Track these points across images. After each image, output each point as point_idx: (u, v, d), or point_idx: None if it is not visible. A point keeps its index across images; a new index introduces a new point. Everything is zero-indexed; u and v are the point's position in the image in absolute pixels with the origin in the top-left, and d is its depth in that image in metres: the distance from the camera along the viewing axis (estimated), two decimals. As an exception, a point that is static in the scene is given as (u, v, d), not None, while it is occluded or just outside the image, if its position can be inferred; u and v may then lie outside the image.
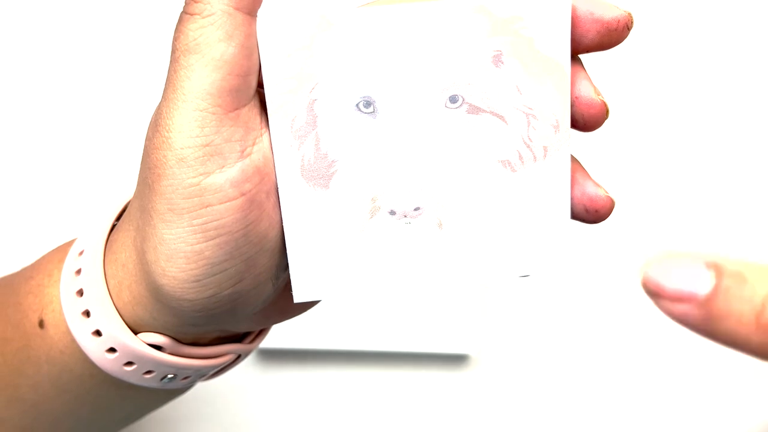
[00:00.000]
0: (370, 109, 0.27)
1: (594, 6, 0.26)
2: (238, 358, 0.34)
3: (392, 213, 0.28)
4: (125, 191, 0.33)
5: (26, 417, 0.33)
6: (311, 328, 0.54)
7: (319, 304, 0.54)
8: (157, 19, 0.53)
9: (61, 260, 0.31)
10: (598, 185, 0.28)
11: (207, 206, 0.26)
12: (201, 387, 0.54)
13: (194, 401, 0.55)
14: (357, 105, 0.27)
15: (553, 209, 0.28)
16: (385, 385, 0.56)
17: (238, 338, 0.33)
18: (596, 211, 0.28)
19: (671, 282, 0.19)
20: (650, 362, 0.55)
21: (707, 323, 0.20)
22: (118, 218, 0.32)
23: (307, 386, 0.56)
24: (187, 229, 0.26)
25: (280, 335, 0.54)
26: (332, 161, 0.27)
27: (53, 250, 0.33)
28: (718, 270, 0.19)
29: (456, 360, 0.56)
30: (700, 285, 0.19)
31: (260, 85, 0.27)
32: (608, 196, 0.28)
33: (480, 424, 0.56)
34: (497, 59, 0.26)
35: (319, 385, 0.56)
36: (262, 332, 0.35)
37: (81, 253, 0.30)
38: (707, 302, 0.19)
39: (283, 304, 0.32)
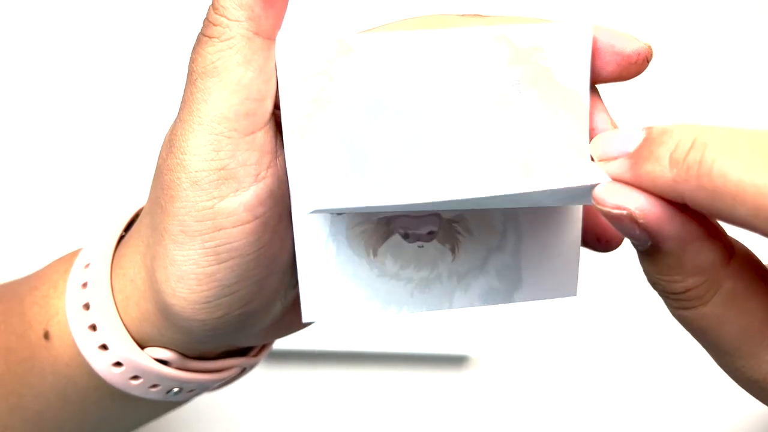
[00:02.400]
0: (386, 135, 0.26)
1: (615, 39, 0.26)
2: (243, 371, 0.34)
3: (406, 236, 0.27)
4: (131, 200, 0.33)
5: (29, 425, 0.33)
6: (312, 328, 0.54)
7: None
8: (167, 30, 0.53)
9: (67, 271, 0.31)
10: (613, 125, 0.28)
11: (220, 229, 0.26)
12: (201, 388, 0.54)
13: (194, 401, 0.55)
14: (373, 130, 0.26)
15: (565, 239, 0.28)
16: (385, 385, 0.56)
17: (242, 351, 0.33)
18: (607, 242, 0.29)
19: (608, 148, 0.23)
20: (650, 362, 0.56)
21: (634, 171, 0.22)
22: (125, 229, 0.31)
23: (307, 387, 0.56)
24: (199, 251, 0.26)
25: (279, 335, 0.54)
26: (347, 186, 0.27)
27: (58, 260, 0.33)
28: (648, 129, 0.22)
29: (455, 361, 0.56)
30: (633, 142, 0.22)
31: (276, 107, 0.27)
32: None
33: (480, 425, 0.56)
34: (516, 88, 0.26)
35: (320, 386, 0.56)
36: (266, 345, 0.35)
37: (87, 265, 0.30)
38: (635, 152, 0.22)
39: (289, 320, 0.32)
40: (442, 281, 0.28)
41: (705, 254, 0.22)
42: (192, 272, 0.26)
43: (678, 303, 0.23)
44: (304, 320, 0.28)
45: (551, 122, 0.26)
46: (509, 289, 0.28)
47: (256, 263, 0.27)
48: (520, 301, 0.28)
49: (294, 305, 0.30)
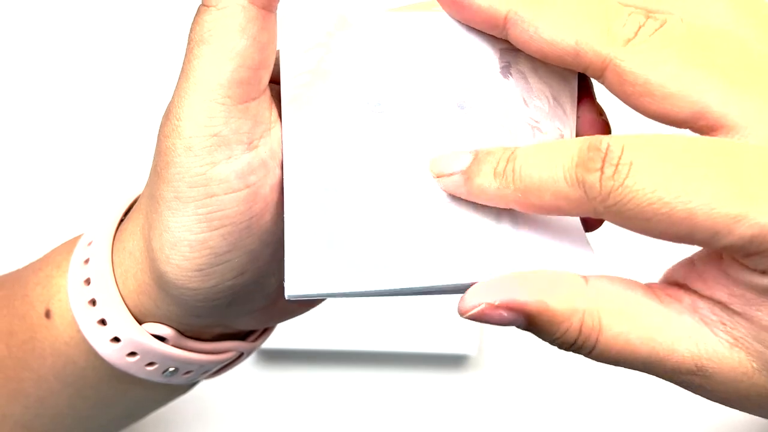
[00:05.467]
0: (380, 109, 0.27)
1: None
2: (241, 356, 0.34)
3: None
4: (132, 188, 0.33)
5: (28, 413, 0.33)
6: (311, 328, 0.54)
7: (319, 304, 0.54)
8: (163, 17, 0.53)
9: (70, 251, 0.32)
10: (600, 112, 0.29)
11: (212, 196, 0.26)
12: (201, 386, 0.54)
13: (194, 401, 0.55)
14: (368, 103, 0.27)
15: (566, 236, 0.28)
16: (385, 385, 0.56)
17: (241, 336, 0.33)
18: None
19: (445, 167, 0.26)
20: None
21: (468, 185, 0.25)
22: (127, 212, 0.32)
23: (307, 386, 0.56)
24: (192, 218, 0.26)
25: (280, 335, 0.54)
26: (340, 157, 0.27)
27: (63, 243, 0.33)
28: (474, 151, 0.26)
29: (456, 360, 0.56)
30: (464, 161, 0.26)
31: (272, 81, 0.27)
32: (606, 121, 0.29)
33: (480, 425, 0.56)
34: (506, 70, 0.27)
35: (319, 386, 0.56)
36: (265, 331, 0.35)
37: (90, 243, 0.31)
38: (466, 170, 0.25)
39: (285, 304, 0.32)
40: (429, 259, 0.27)
41: (566, 291, 0.24)
42: (185, 239, 0.26)
43: (584, 347, 0.24)
44: (287, 294, 0.26)
45: (539, 103, 0.27)
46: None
47: (248, 233, 0.27)
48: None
49: None
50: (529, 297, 0.24)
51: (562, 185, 0.23)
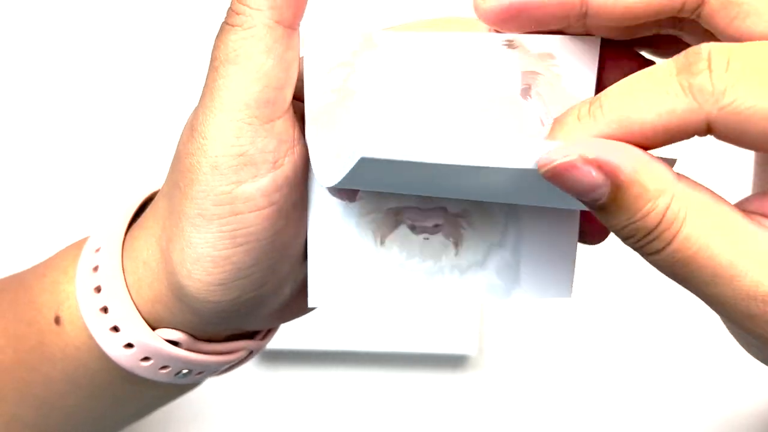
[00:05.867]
0: (402, 129, 0.27)
1: (622, 53, 0.27)
2: (250, 354, 0.34)
3: (413, 228, 0.28)
4: (136, 191, 0.33)
5: (38, 413, 0.33)
6: (311, 328, 0.54)
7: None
8: (165, 20, 0.53)
9: (76, 257, 0.31)
10: None
11: (237, 214, 0.26)
12: (202, 387, 0.54)
13: (195, 402, 0.55)
14: (390, 124, 0.27)
15: (563, 239, 0.29)
16: (385, 385, 0.56)
17: (249, 335, 0.34)
18: (592, 236, 0.29)
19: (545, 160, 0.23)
20: (650, 362, 0.56)
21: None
22: (134, 216, 0.32)
23: (307, 386, 0.56)
24: (216, 235, 0.26)
25: (280, 335, 0.53)
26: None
27: (66, 248, 0.33)
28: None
29: (456, 361, 0.56)
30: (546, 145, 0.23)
31: (296, 98, 0.28)
32: None
33: (480, 425, 0.56)
34: (525, 92, 0.27)
35: (319, 386, 0.56)
36: (271, 329, 0.35)
37: (98, 250, 0.31)
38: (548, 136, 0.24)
39: (296, 305, 0.32)
40: (444, 274, 0.29)
41: (659, 170, 0.22)
42: (208, 255, 0.27)
43: (658, 239, 0.22)
44: (310, 305, 0.29)
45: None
46: (507, 286, 0.29)
47: (271, 248, 0.27)
48: (516, 299, 0.29)
49: (300, 291, 0.31)
50: (625, 163, 0.22)
51: (665, 99, 0.21)
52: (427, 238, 0.29)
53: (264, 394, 0.56)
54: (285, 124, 0.27)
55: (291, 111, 0.27)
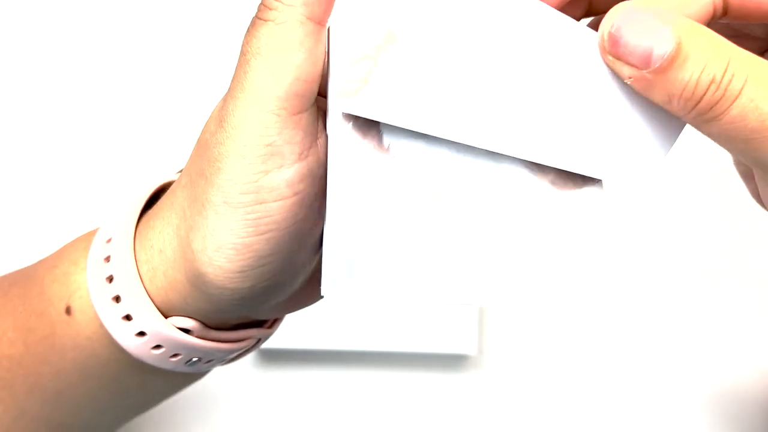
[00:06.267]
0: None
1: None
2: (258, 341, 0.35)
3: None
4: (144, 183, 0.33)
5: (46, 406, 0.33)
6: (311, 328, 0.54)
7: (319, 303, 0.54)
8: (166, 26, 0.53)
9: (86, 248, 0.32)
10: None
11: (262, 203, 0.27)
12: (201, 386, 0.54)
13: (194, 400, 0.55)
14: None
15: (589, 228, 0.29)
16: (385, 385, 0.56)
17: (257, 323, 0.34)
18: None
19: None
20: (650, 362, 0.56)
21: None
22: (145, 207, 0.32)
23: (307, 386, 0.56)
24: (240, 222, 0.27)
25: (280, 335, 0.54)
26: (393, 157, 0.28)
27: (76, 240, 0.33)
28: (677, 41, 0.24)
29: (455, 360, 0.56)
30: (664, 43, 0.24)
31: (319, 93, 0.28)
32: None
33: (480, 425, 0.56)
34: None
35: (319, 385, 0.56)
36: (278, 319, 0.36)
37: (109, 240, 0.31)
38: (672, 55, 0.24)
39: (305, 296, 0.33)
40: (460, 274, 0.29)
41: (715, 36, 0.24)
42: (231, 242, 0.27)
43: (723, 98, 0.24)
44: (323, 293, 0.28)
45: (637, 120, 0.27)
46: (535, 282, 0.29)
47: (290, 237, 0.28)
48: (548, 296, 0.30)
49: (310, 281, 0.32)
50: (685, 20, 0.24)
51: None
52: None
53: (264, 394, 0.56)
54: (311, 117, 0.27)
55: (316, 105, 0.28)
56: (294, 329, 0.54)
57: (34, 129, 0.54)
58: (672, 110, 0.25)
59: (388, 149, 0.28)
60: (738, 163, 0.32)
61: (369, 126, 0.27)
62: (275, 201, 0.27)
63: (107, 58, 0.54)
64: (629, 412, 0.56)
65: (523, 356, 0.56)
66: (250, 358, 0.55)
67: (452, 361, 0.56)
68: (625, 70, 0.25)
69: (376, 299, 0.28)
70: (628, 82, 0.25)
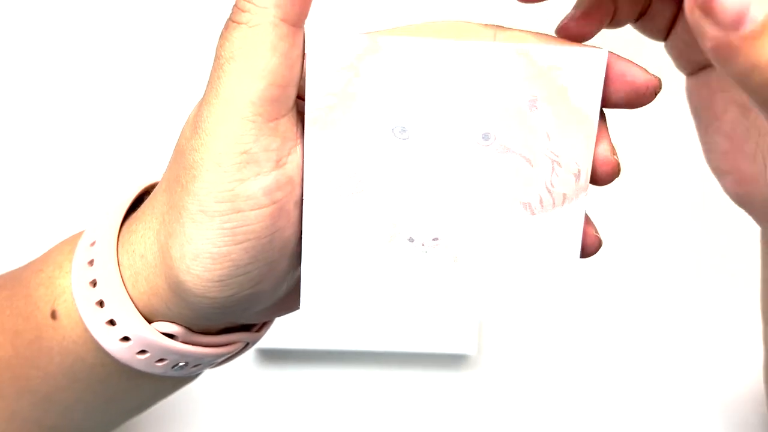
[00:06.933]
0: (405, 136, 0.27)
1: (627, 68, 0.27)
2: (246, 346, 0.34)
3: (411, 240, 0.28)
4: (130, 184, 0.33)
5: (37, 408, 0.33)
6: (311, 328, 0.54)
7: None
8: (151, 24, 0.53)
9: (71, 251, 0.32)
10: (614, 152, 0.29)
11: (238, 211, 0.26)
12: (200, 386, 0.54)
13: (193, 400, 0.55)
14: (393, 129, 0.27)
15: (563, 253, 0.29)
16: (385, 385, 0.56)
17: (245, 327, 0.34)
18: (606, 173, 0.29)
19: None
20: (650, 362, 0.56)
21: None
22: (128, 210, 0.32)
23: (307, 386, 0.56)
24: (216, 231, 0.27)
25: (280, 335, 0.54)
26: (360, 180, 0.28)
27: (62, 243, 0.33)
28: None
29: (456, 360, 0.56)
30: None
31: (299, 96, 0.28)
32: (617, 161, 0.29)
33: (480, 425, 0.56)
34: (532, 104, 0.27)
35: (319, 385, 0.56)
36: (267, 322, 0.35)
37: (93, 243, 0.31)
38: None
39: (292, 301, 0.32)
40: (442, 287, 0.29)
41: None
42: (207, 251, 0.27)
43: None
44: (303, 307, 0.29)
45: (560, 141, 0.28)
46: (507, 298, 0.30)
47: (270, 246, 0.27)
48: (516, 311, 0.30)
49: (296, 286, 0.31)
50: None
51: None
52: (426, 252, 0.29)
53: (263, 394, 0.56)
54: (289, 122, 0.27)
55: (295, 109, 0.27)
56: (294, 329, 0.54)
57: (21, 131, 0.54)
58: (746, 85, 0.22)
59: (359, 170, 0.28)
60: (710, 161, 0.32)
61: (349, 141, 0.27)
62: (252, 210, 0.26)
63: (95, 60, 0.54)
64: (629, 412, 0.56)
65: (523, 356, 0.56)
66: (250, 357, 0.56)
67: (452, 361, 0.56)
68: (709, 31, 0.22)
69: (357, 308, 0.28)
70: (707, 47, 0.22)
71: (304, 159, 0.27)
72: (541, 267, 0.29)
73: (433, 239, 0.28)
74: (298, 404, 0.56)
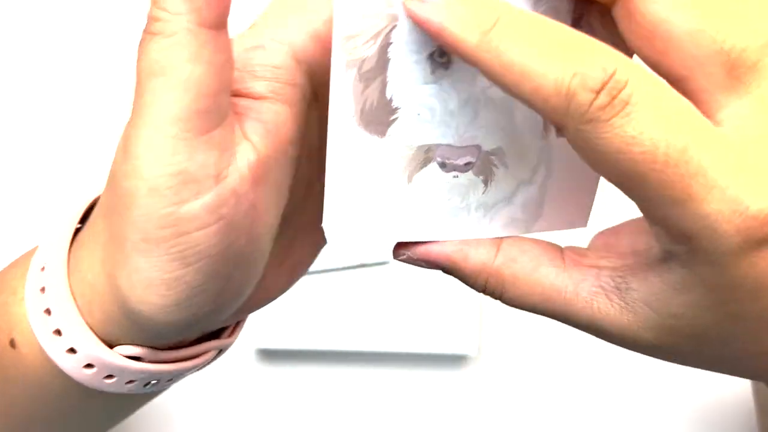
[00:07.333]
0: (444, 59, 0.26)
1: None
2: (220, 352, 0.33)
3: (443, 165, 0.27)
4: (77, 200, 0.31)
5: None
6: (311, 328, 0.54)
7: (315, 303, 0.54)
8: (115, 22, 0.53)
9: (24, 275, 0.30)
10: None
11: (183, 234, 0.25)
12: (200, 386, 0.54)
13: (193, 401, 0.55)
14: (432, 54, 0.26)
15: (588, 174, 0.29)
16: (385, 385, 0.56)
17: (215, 333, 0.32)
18: None
19: None
20: (650, 362, 0.55)
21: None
22: (80, 222, 0.30)
23: (306, 386, 0.56)
24: (164, 258, 0.25)
25: (280, 335, 0.54)
26: (395, 108, 0.26)
27: (14, 264, 0.32)
28: None
29: (455, 360, 0.56)
30: None
31: (234, 95, 0.26)
32: None
33: (479, 425, 0.56)
34: (576, 23, 0.26)
35: (319, 385, 0.56)
36: (239, 323, 0.34)
37: (43, 268, 0.29)
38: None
39: (258, 297, 0.31)
40: (469, 212, 0.28)
41: (476, 257, 0.28)
42: (159, 278, 0.25)
43: (500, 298, 0.29)
44: (328, 240, 0.27)
45: None
46: (529, 220, 0.29)
47: (224, 261, 0.26)
48: (536, 231, 0.30)
49: (262, 283, 0.30)
50: (442, 257, 0.28)
51: (544, 81, 0.22)
52: (457, 176, 0.27)
53: (262, 394, 0.56)
54: (224, 131, 0.25)
55: (230, 115, 0.25)
56: (294, 329, 0.54)
57: (10, 133, 0.54)
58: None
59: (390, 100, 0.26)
60: None
61: (382, 67, 0.25)
62: (198, 230, 0.25)
63: (89, 61, 0.54)
64: (628, 412, 0.56)
65: (523, 356, 0.55)
66: (250, 358, 0.56)
67: (452, 361, 0.56)
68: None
69: (382, 240, 0.28)
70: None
71: (331, 87, 0.25)
72: (566, 189, 0.29)
73: (466, 164, 0.27)
74: (298, 404, 0.56)
